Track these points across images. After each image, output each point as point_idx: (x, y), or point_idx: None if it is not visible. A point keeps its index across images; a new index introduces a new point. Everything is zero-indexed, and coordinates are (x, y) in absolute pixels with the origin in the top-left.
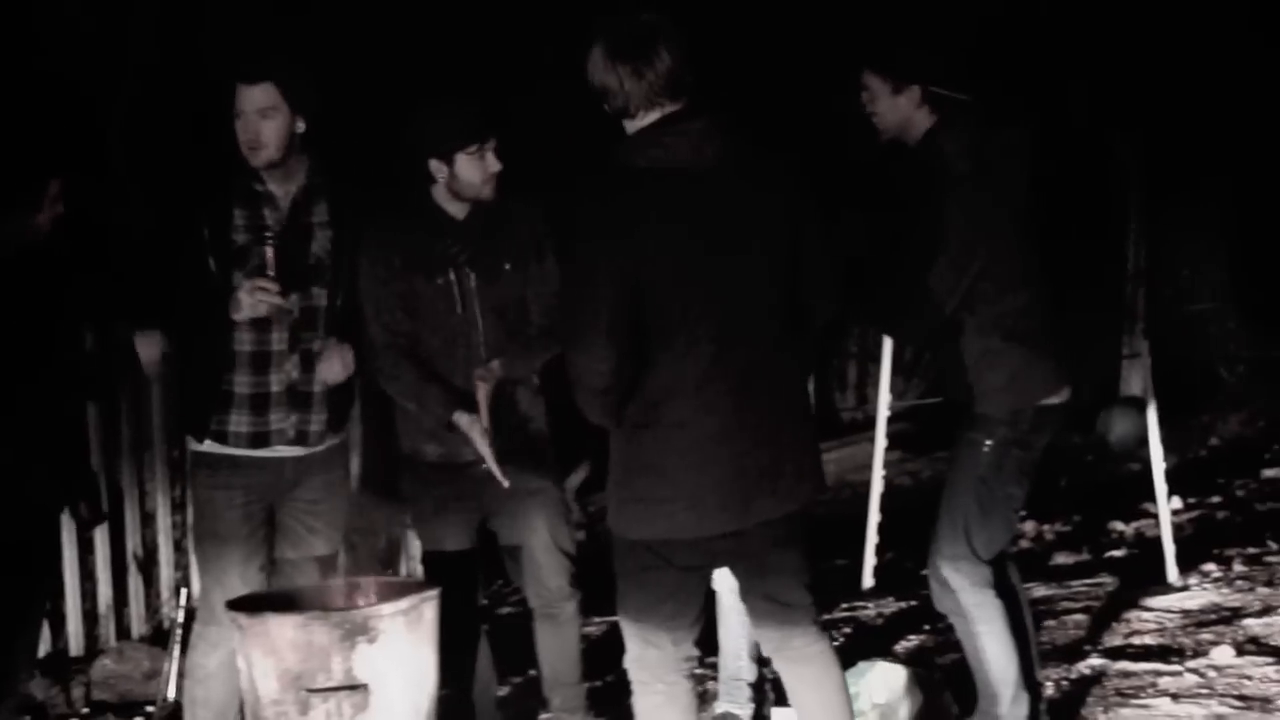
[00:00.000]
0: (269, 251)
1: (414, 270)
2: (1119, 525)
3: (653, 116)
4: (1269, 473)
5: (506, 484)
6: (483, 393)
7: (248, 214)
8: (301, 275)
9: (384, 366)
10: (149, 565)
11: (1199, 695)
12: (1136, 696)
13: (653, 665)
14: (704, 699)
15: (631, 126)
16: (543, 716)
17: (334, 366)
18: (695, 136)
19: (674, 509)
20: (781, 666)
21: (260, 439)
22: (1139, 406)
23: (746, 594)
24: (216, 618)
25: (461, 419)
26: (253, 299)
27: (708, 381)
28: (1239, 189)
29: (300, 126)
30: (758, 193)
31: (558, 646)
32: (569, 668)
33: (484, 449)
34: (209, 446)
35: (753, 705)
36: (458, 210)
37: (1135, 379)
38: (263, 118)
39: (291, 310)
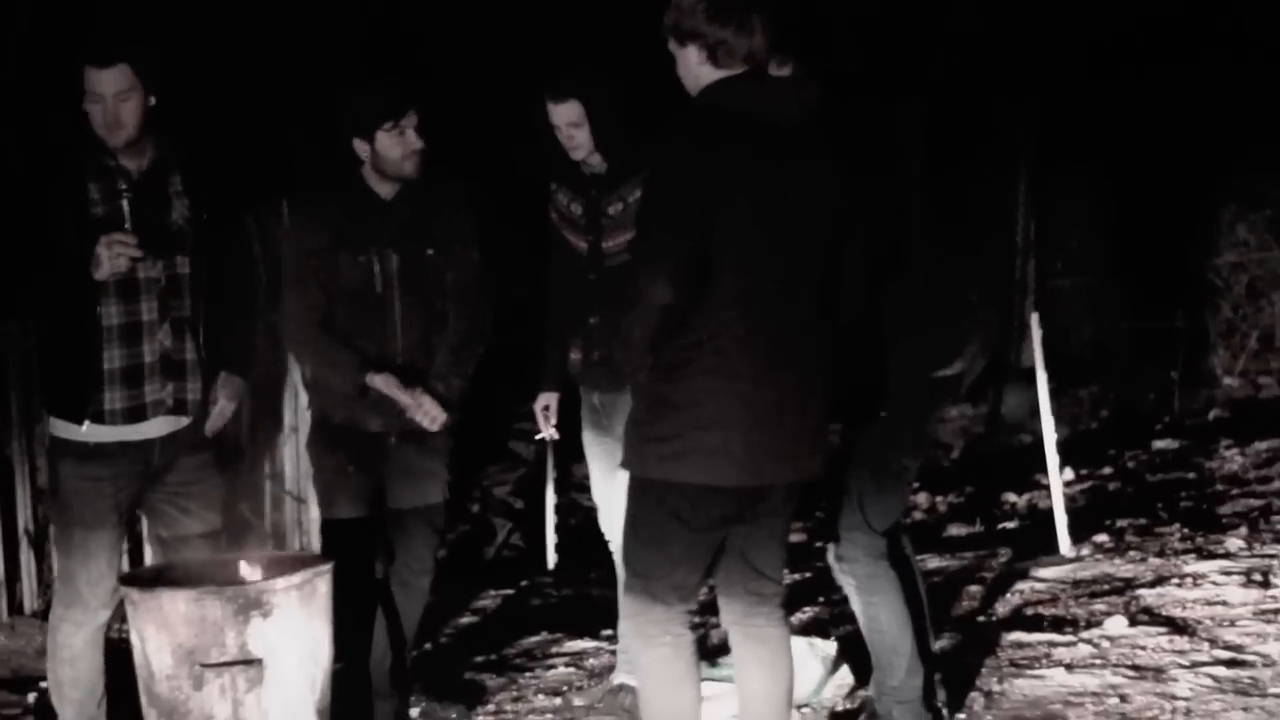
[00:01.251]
0: (124, 205)
1: (337, 247)
2: (1011, 497)
3: (739, 69)
4: (1159, 444)
5: (435, 426)
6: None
7: (102, 186)
8: (164, 242)
9: (295, 333)
10: (41, 540)
11: (1093, 665)
12: (1031, 667)
13: (660, 620)
14: (600, 672)
15: (714, 75)
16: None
17: (432, 413)
18: (781, 91)
19: (700, 452)
20: (737, 640)
21: (137, 412)
22: (1029, 378)
23: (729, 562)
24: (82, 599)
25: (375, 379)
26: (111, 253)
27: (749, 333)
28: (1124, 160)
29: (152, 103)
30: (825, 165)
31: (408, 616)
32: (408, 638)
33: (403, 397)
34: (86, 431)
35: None
36: (385, 191)
37: (1025, 351)
38: (120, 100)
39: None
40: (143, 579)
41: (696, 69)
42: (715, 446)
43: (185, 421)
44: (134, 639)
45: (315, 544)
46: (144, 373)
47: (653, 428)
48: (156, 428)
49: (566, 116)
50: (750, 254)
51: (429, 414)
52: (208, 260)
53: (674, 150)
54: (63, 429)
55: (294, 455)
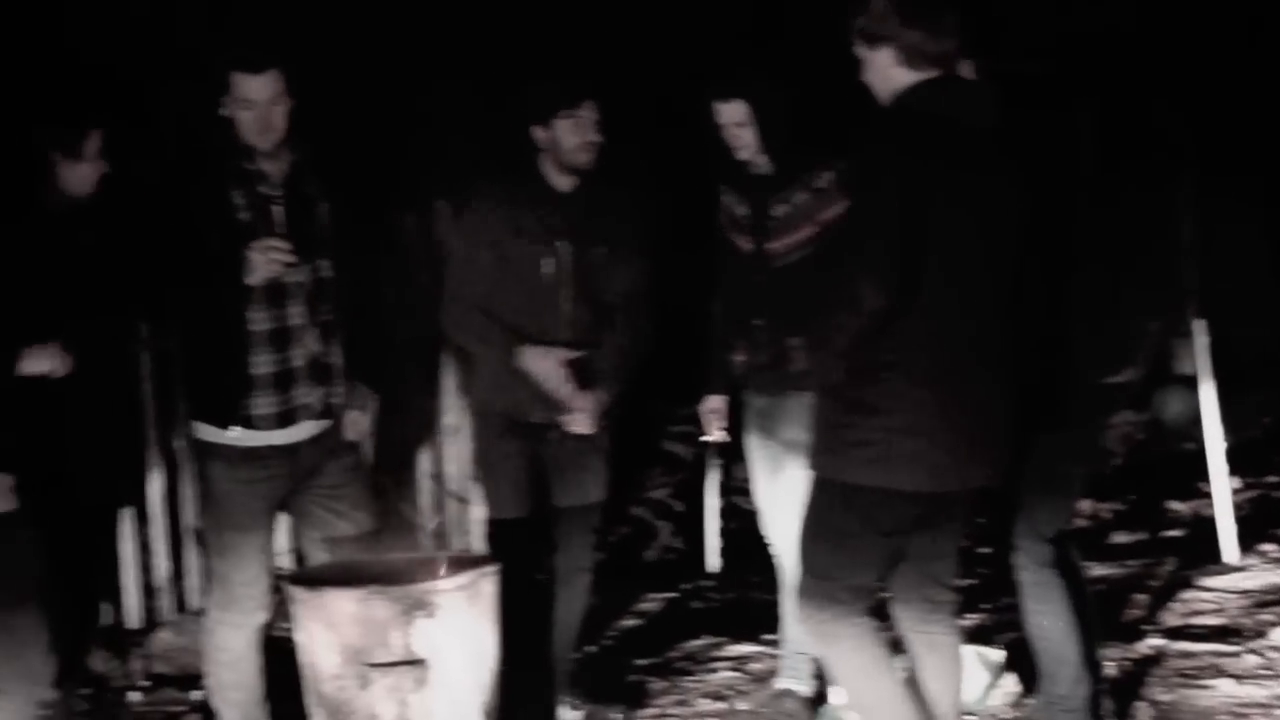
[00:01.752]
0: (275, 209)
1: (510, 235)
2: (1176, 505)
3: (933, 73)
4: None
5: (584, 429)
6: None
7: (245, 192)
8: (310, 245)
9: (453, 316)
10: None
11: (1260, 676)
12: (1198, 678)
13: (836, 618)
14: (763, 677)
15: (910, 78)
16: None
17: (583, 415)
18: (976, 94)
19: (901, 457)
20: (913, 640)
21: (287, 417)
22: (1190, 384)
23: (907, 567)
24: (238, 601)
25: (527, 352)
26: (265, 258)
27: (946, 335)
28: None
29: (292, 106)
30: (1014, 168)
31: (566, 616)
32: (568, 640)
33: (559, 385)
34: (234, 436)
35: (815, 681)
36: (564, 184)
37: (1188, 357)
38: (272, 105)
39: (297, 268)
40: (308, 579)
41: (888, 72)
42: (916, 452)
43: (330, 425)
44: (300, 638)
45: (478, 545)
46: (293, 377)
47: (850, 432)
48: (304, 431)
49: (732, 116)
50: (955, 258)
51: (582, 414)
52: (348, 263)
53: (880, 156)
54: (210, 433)
55: (456, 456)
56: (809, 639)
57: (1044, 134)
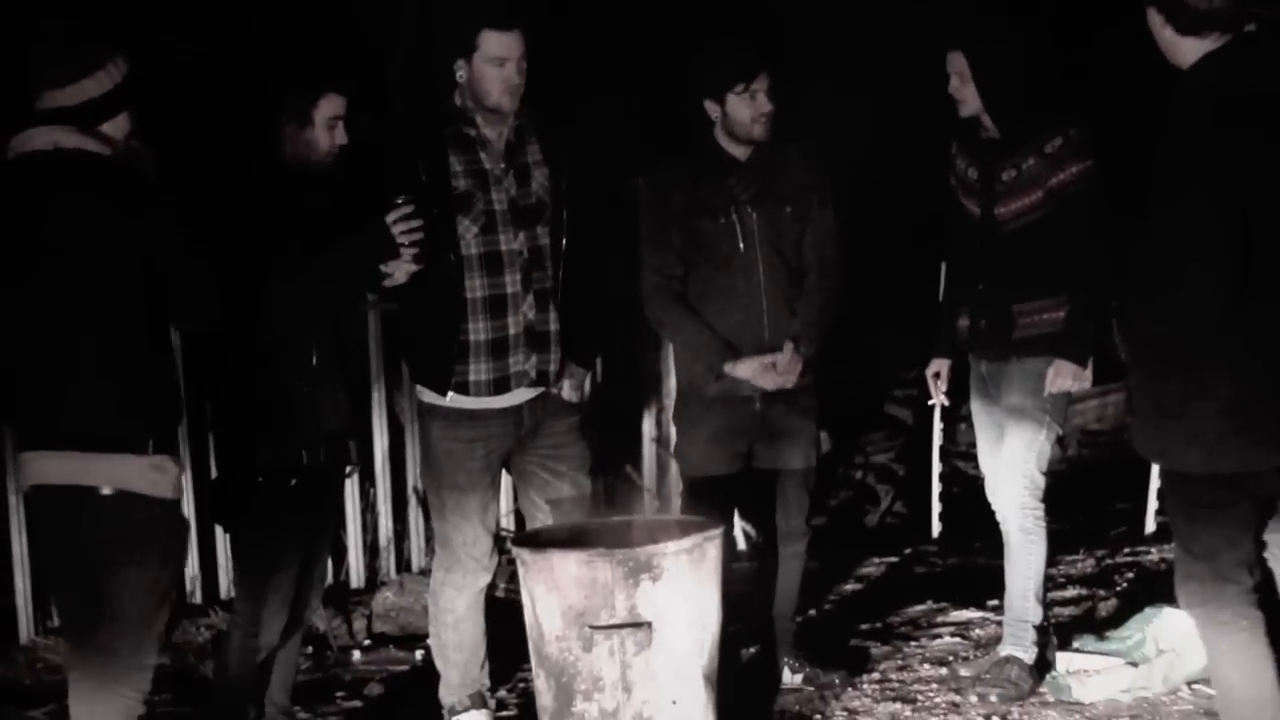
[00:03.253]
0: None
1: (696, 210)
2: None
3: (1222, 40)
4: None
5: (790, 383)
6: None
7: (465, 158)
8: (525, 214)
9: (655, 309)
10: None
11: None
12: None
13: (1232, 602)
14: (986, 643)
15: (1195, 47)
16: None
17: (789, 370)
18: (1267, 59)
19: (1252, 434)
20: None
21: (502, 384)
22: None
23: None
24: (461, 562)
25: (737, 368)
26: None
27: (1265, 313)
28: None
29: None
30: None
31: (782, 580)
32: (788, 603)
33: (766, 378)
34: (451, 400)
35: (1037, 649)
36: (739, 152)
37: None
38: (520, 62)
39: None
40: (534, 540)
41: (1169, 40)
42: (1253, 435)
43: (540, 393)
44: (525, 600)
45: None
46: (509, 344)
47: (1193, 422)
48: (521, 397)
49: (953, 66)
50: (1264, 232)
51: (786, 369)
52: (566, 230)
53: (1192, 129)
54: (430, 395)
55: None
56: (1198, 628)
57: None
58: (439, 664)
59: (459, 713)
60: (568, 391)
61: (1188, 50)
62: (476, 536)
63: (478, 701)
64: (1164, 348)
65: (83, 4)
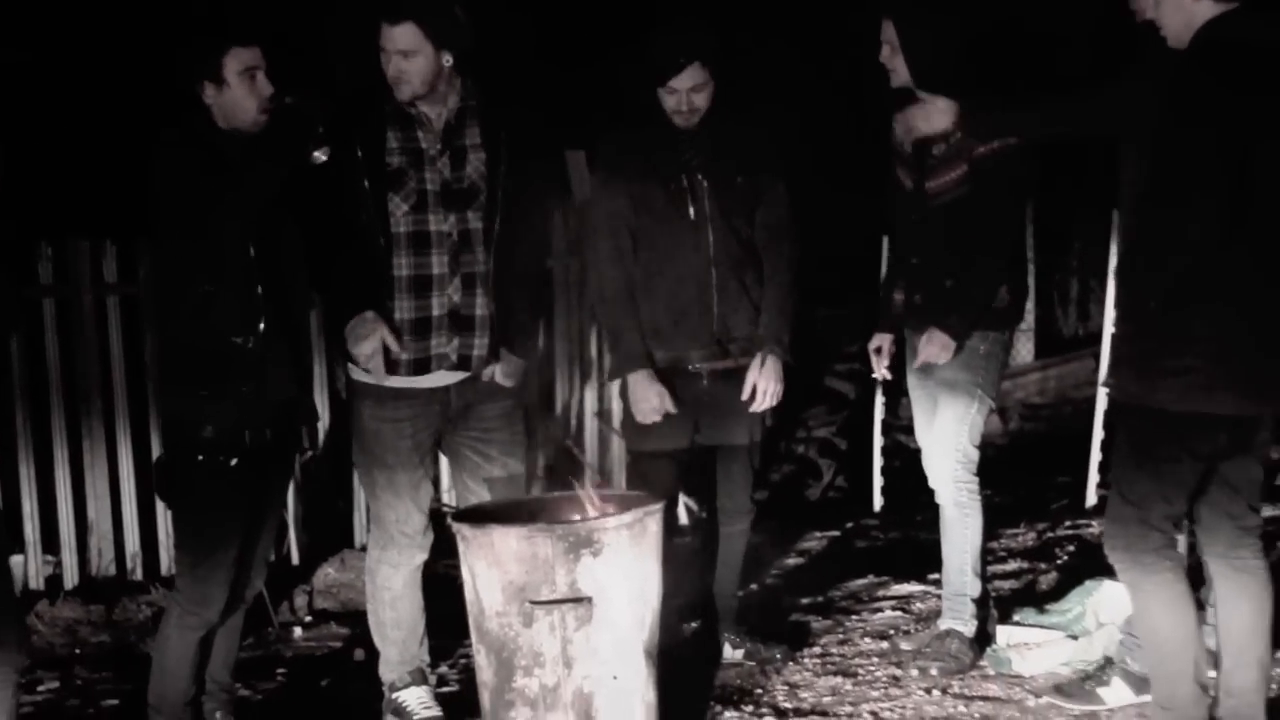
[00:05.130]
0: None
1: (647, 177)
2: None
3: (1230, 4)
4: None
5: (772, 401)
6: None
7: (402, 136)
8: (458, 197)
9: (603, 286)
10: None
11: None
12: None
13: (1156, 545)
14: (927, 616)
15: (1211, 9)
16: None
17: (934, 349)
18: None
19: (1224, 382)
20: (1222, 573)
21: (423, 365)
22: None
23: (1217, 492)
24: (394, 540)
25: (634, 381)
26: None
27: (1265, 263)
28: None
29: (447, 60)
30: None
31: (724, 555)
32: (730, 578)
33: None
34: (372, 378)
35: (976, 622)
36: (689, 123)
37: None
38: (404, 57)
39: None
40: (474, 516)
41: (1191, 7)
42: (1240, 375)
43: (464, 377)
44: (465, 575)
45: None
46: (431, 325)
47: (1172, 360)
48: (443, 379)
49: (885, 34)
50: (1258, 182)
51: (762, 396)
52: (502, 215)
53: (1199, 91)
54: (358, 373)
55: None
56: (1120, 573)
57: None
58: (378, 642)
59: (399, 689)
60: (500, 376)
61: (1200, 12)
62: (409, 514)
63: (418, 678)
64: (1161, 288)
65: None
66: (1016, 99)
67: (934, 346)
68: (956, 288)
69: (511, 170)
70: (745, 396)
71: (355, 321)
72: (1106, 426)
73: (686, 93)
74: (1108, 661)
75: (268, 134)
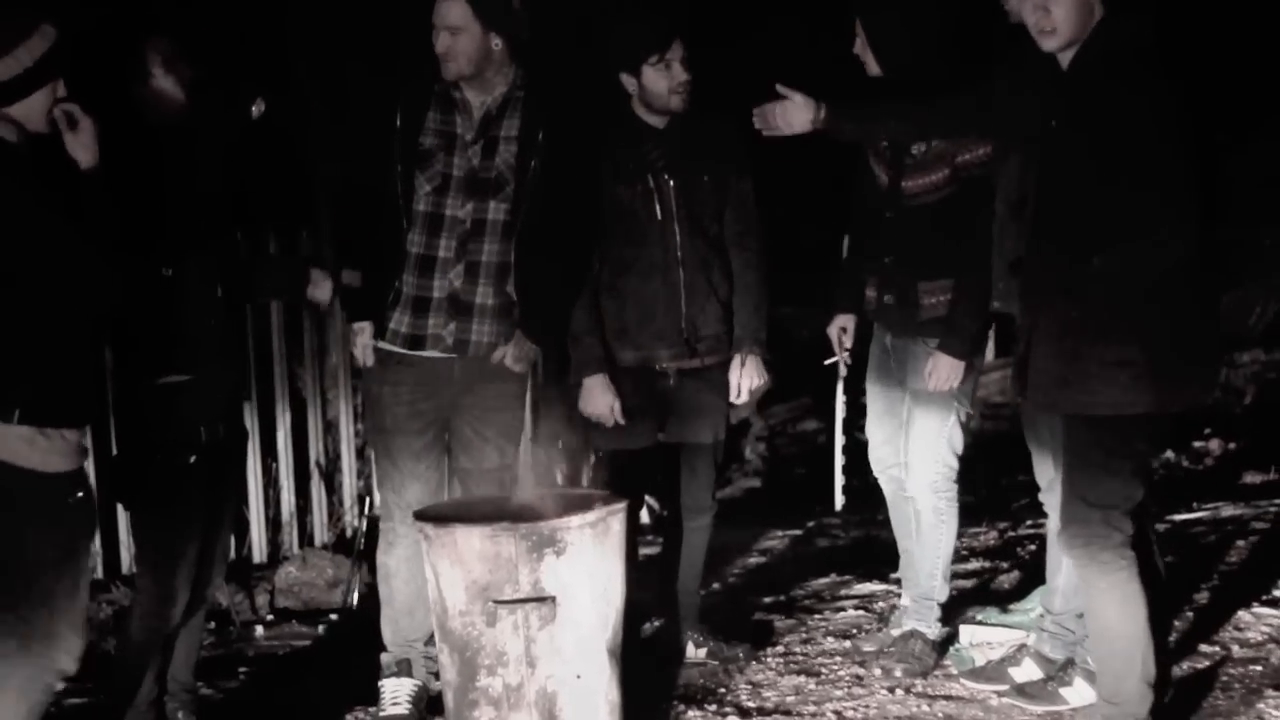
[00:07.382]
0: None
1: (612, 177)
2: None
3: None
4: None
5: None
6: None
7: (440, 119)
8: (480, 186)
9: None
10: (331, 473)
11: None
12: None
13: (1115, 545)
14: (889, 616)
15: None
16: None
17: (942, 375)
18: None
19: (1185, 377)
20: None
21: (417, 341)
22: None
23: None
24: (391, 512)
25: (588, 387)
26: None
27: (1192, 258)
28: None
29: (496, 44)
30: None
31: (687, 554)
32: (692, 576)
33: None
34: (367, 341)
35: (940, 625)
36: (657, 122)
37: None
38: (452, 34)
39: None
40: (437, 515)
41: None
42: (1195, 372)
43: (471, 357)
44: (428, 574)
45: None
46: (430, 306)
47: (1155, 362)
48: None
49: (858, 28)
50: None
51: (744, 393)
52: (528, 207)
53: (1094, 93)
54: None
55: None
56: (1077, 568)
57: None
58: (382, 620)
59: (385, 676)
60: (510, 360)
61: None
62: (404, 482)
63: (405, 669)
64: (1123, 293)
65: None
66: (888, 103)
67: (943, 372)
68: (946, 304)
69: (547, 164)
70: (734, 398)
71: (356, 328)
72: None
73: (680, 64)
74: (1069, 662)
75: (195, 118)
